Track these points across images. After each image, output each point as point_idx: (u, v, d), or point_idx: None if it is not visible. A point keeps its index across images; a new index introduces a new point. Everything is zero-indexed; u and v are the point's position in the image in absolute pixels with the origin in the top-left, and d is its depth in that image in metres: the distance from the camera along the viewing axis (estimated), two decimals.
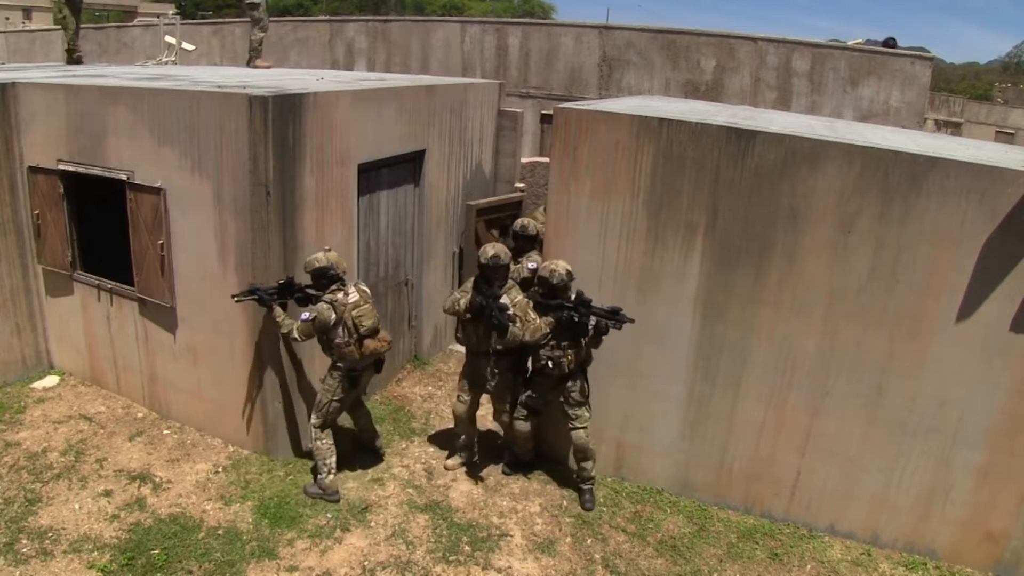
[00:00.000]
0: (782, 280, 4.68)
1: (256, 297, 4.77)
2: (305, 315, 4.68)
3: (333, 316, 4.63)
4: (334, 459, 4.96)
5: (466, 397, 5.20)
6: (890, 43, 11.19)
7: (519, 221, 6.24)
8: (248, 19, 8.96)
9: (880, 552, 4.86)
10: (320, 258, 4.70)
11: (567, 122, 4.98)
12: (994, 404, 4.43)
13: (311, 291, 4.83)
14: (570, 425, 5.04)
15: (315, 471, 5.03)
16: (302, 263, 5.13)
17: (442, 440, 5.80)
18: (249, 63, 8.67)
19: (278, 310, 4.78)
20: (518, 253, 5.97)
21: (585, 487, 5.17)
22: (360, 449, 5.47)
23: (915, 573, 4.72)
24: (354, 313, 4.67)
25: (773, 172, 4.54)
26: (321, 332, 4.70)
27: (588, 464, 5.12)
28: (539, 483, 5.35)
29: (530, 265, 5.73)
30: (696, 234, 4.81)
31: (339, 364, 4.81)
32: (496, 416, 5.38)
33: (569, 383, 4.96)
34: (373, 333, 4.76)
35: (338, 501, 4.95)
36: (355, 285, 4.82)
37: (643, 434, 5.30)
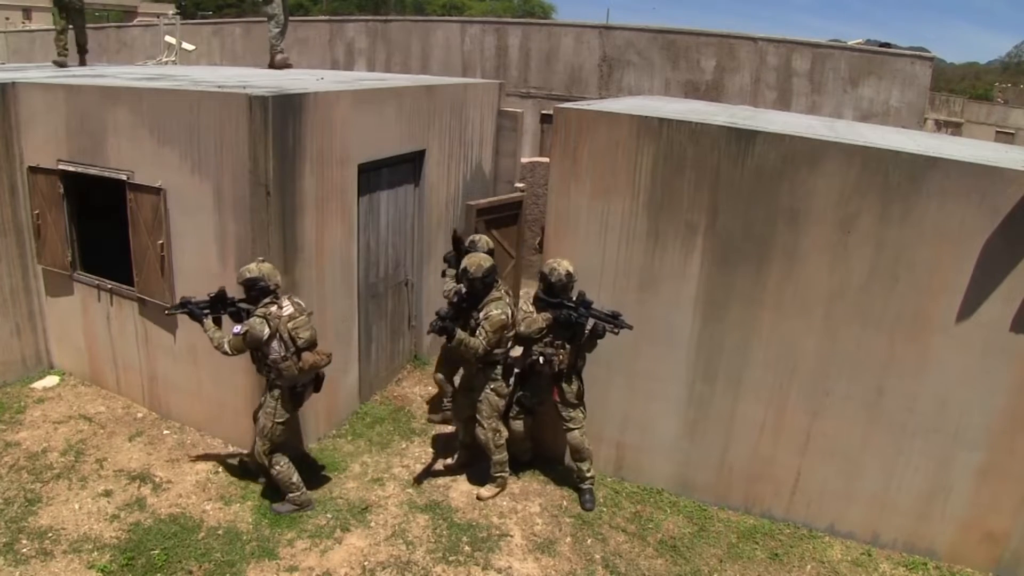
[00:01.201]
0: (782, 280, 4.68)
1: (187, 310, 4.61)
2: (237, 329, 4.46)
3: (267, 330, 4.39)
4: (297, 475, 4.80)
5: (460, 400, 5.21)
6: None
7: (472, 236, 5.50)
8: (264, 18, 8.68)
9: (880, 552, 4.86)
10: (252, 268, 4.48)
11: (567, 122, 4.99)
12: (994, 404, 4.44)
13: (243, 305, 4.61)
14: (564, 427, 5.05)
15: (281, 492, 4.83)
16: (303, 263, 5.13)
17: (442, 441, 5.80)
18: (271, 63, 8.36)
19: (208, 322, 4.58)
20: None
21: (584, 487, 5.18)
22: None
23: (915, 573, 4.72)
24: (290, 326, 4.43)
25: (773, 172, 4.54)
26: (253, 346, 4.47)
27: (585, 464, 5.13)
28: (539, 483, 5.35)
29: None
30: (696, 234, 4.81)
31: (278, 383, 4.58)
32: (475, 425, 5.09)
33: (563, 384, 4.96)
34: (311, 346, 4.54)
35: (313, 508, 4.85)
36: (289, 298, 4.58)
37: (643, 434, 5.30)
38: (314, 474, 5.29)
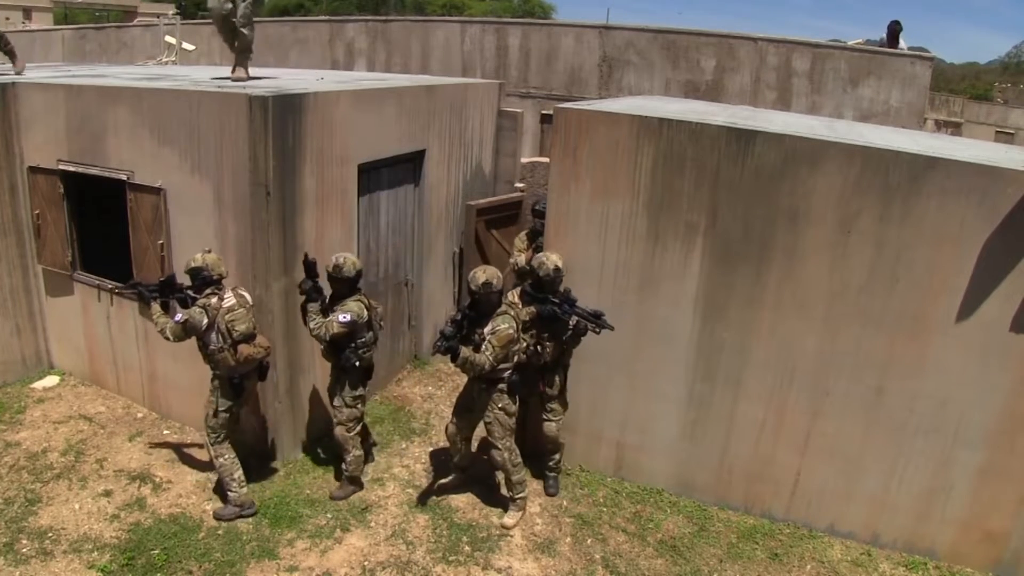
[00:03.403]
0: (782, 280, 4.68)
1: (136, 292, 4.71)
2: (178, 316, 4.50)
3: (205, 320, 4.45)
4: (240, 472, 4.75)
5: (456, 421, 4.95)
6: (895, 28, 10.92)
7: (335, 259, 4.73)
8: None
9: (880, 552, 4.86)
10: (196, 258, 4.56)
11: (567, 122, 4.99)
12: (994, 404, 4.43)
13: (191, 292, 4.65)
14: (544, 417, 5.08)
15: (223, 490, 4.81)
16: (301, 263, 5.13)
17: (444, 442, 5.79)
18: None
19: (155, 307, 4.63)
20: (335, 299, 4.77)
21: (551, 475, 5.29)
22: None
23: (915, 573, 4.72)
24: (227, 318, 4.47)
25: (773, 172, 4.54)
26: (192, 335, 4.51)
27: (557, 456, 5.25)
28: (539, 483, 5.35)
29: (341, 318, 4.60)
30: (696, 234, 4.81)
31: (217, 372, 4.61)
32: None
33: (547, 376, 4.98)
34: (248, 338, 4.55)
35: (256, 513, 4.77)
36: (233, 289, 4.62)
37: (643, 434, 5.30)
38: (313, 475, 5.30)
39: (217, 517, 4.75)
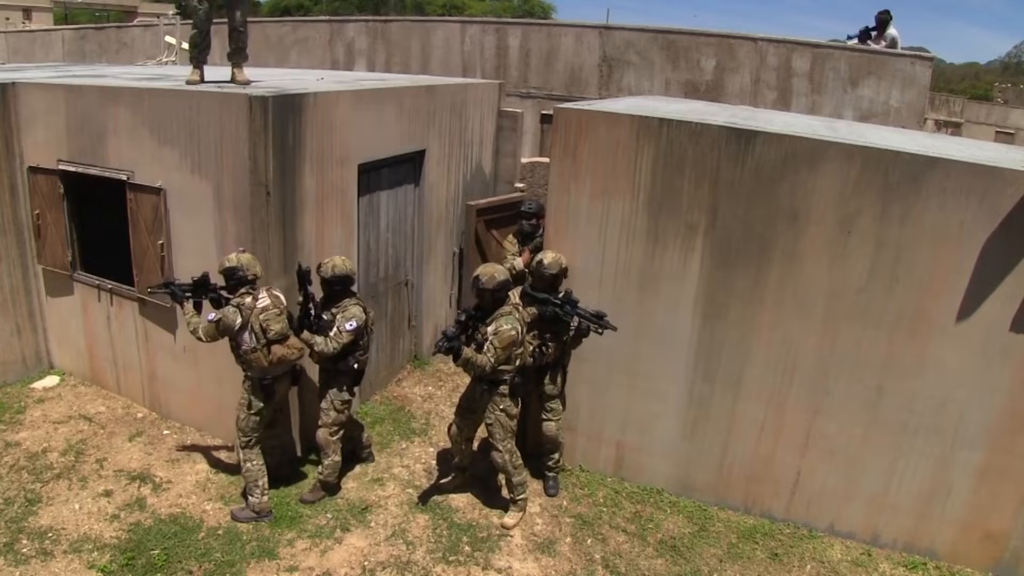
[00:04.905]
0: (782, 280, 4.68)
1: (169, 291, 4.68)
2: (211, 316, 4.50)
3: (239, 320, 4.41)
4: (265, 480, 4.72)
5: (458, 422, 4.94)
6: (883, 17, 10.83)
7: (322, 266, 4.74)
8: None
9: (880, 552, 4.86)
10: (232, 258, 4.53)
11: (567, 122, 4.99)
12: (994, 404, 4.43)
13: (224, 292, 4.62)
14: (543, 416, 5.09)
15: (245, 493, 4.79)
16: (301, 263, 5.13)
17: (444, 442, 5.79)
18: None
19: (188, 306, 4.62)
20: (328, 302, 4.78)
21: (550, 475, 5.28)
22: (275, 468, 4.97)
23: (915, 573, 4.72)
24: (261, 317, 4.43)
25: (773, 172, 4.54)
26: (226, 335, 4.49)
27: (556, 455, 5.24)
28: (539, 483, 5.35)
29: (348, 326, 4.61)
30: (696, 234, 4.81)
31: (248, 374, 4.58)
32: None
33: (547, 376, 4.99)
34: (282, 339, 4.50)
35: (272, 520, 4.76)
36: (267, 290, 4.58)
37: (643, 434, 5.30)
38: (313, 475, 5.29)
39: (234, 517, 4.76)
